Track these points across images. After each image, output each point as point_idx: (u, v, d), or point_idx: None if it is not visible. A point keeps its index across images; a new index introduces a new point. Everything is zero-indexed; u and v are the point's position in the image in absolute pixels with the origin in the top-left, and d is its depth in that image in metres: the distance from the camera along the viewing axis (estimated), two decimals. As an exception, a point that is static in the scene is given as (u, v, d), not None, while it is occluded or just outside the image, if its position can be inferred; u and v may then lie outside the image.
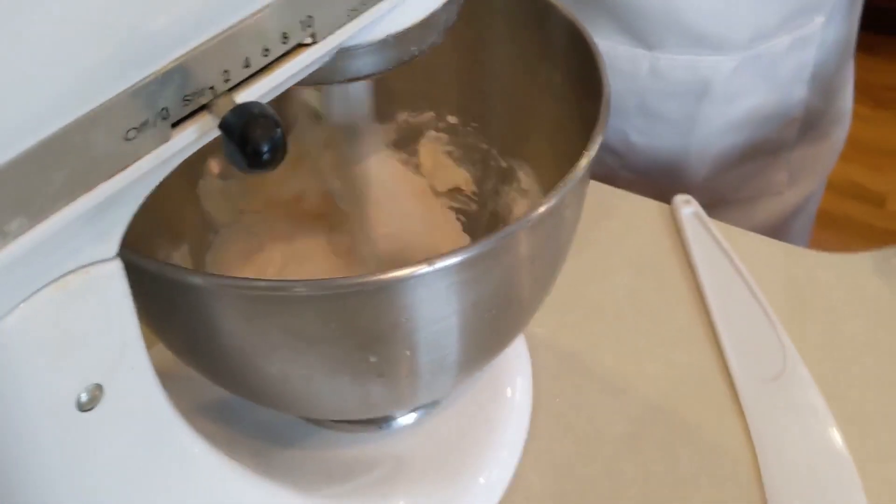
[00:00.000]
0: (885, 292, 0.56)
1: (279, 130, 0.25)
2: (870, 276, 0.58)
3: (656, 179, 0.76)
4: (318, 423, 0.48)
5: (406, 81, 0.50)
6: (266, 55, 0.27)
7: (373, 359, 0.35)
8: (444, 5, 0.34)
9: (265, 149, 0.24)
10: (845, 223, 1.63)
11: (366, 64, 0.33)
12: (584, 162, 0.36)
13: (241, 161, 0.25)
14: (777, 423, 0.50)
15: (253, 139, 0.24)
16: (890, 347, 0.54)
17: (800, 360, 0.52)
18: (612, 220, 0.62)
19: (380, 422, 0.48)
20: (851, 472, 0.48)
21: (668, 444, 0.50)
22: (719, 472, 0.48)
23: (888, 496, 0.47)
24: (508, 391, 0.51)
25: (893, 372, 0.53)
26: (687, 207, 0.61)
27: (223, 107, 0.25)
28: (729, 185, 0.77)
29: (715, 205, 0.65)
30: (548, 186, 0.49)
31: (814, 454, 0.49)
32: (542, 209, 0.34)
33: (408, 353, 0.36)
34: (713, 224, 0.60)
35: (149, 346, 0.32)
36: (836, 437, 0.49)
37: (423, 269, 0.31)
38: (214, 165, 0.50)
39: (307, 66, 0.29)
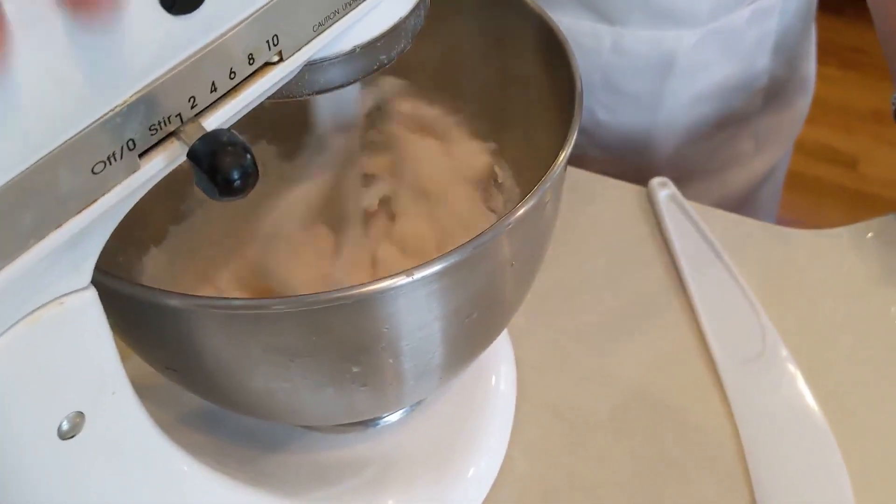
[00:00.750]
0: (862, 268, 0.57)
1: (249, 157, 0.24)
2: (846, 252, 0.58)
3: (625, 156, 0.76)
4: (305, 425, 0.48)
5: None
6: (233, 78, 0.27)
7: (356, 369, 0.35)
8: (412, 11, 0.33)
9: (235, 176, 0.24)
10: (817, 186, 1.64)
11: (335, 76, 0.32)
12: (561, 159, 0.36)
13: (212, 190, 0.24)
14: (758, 402, 0.51)
15: (222, 168, 0.24)
16: (868, 323, 0.54)
17: (779, 340, 0.53)
18: (587, 205, 0.62)
19: (367, 421, 0.48)
20: (833, 448, 0.48)
21: (652, 427, 0.50)
22: (704, 452, 0.49)
23: (869, 470, 0.48)
24: (493, 379, 0.52)
25: (872, 348, 0.53)
26: (663, 190, 0.62)
27: (191, 134, 0.25)
28: (697, 157, 0.77)
29: (684, 177, 0.65)
30: (523, 178, 0.49)
31: (795, 432, 0.49)
32: (520, 211, 0.34)
33: (391, 361, 0.35)
34: (690, 206, 0.60)
35: (127, 357, 0.32)
36: (817, 414, 0.50)
37: (402, 280, 0.31)
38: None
39: (274, 84, 0.29)
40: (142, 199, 0.28)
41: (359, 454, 0.48)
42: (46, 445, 0.29)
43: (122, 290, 0.31)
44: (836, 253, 0.58)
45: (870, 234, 0.59)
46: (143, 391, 0.33)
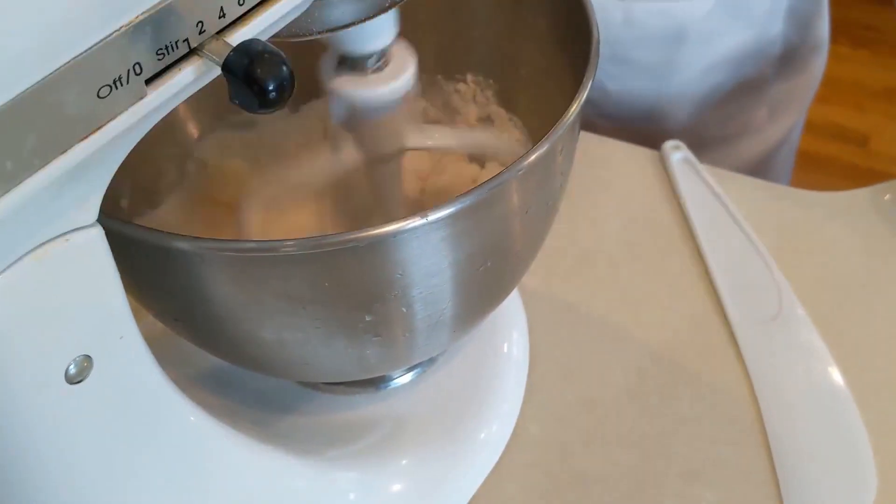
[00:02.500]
0: (879, 228, 0.56)
1: (286, 68, 0.24)
2: (862, 212, 0.57)
3: (635, 125, 0.75)
4: (316, 387, 0.48)
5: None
6: (242, 4, 0.26)
7: (369, 318, 0.34)
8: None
9: (271, 87, 0.23)
10: (828, 164, 1.62)
11: (345, 12, 0.32)
12: (575, 107, 0.35)
13: (250, 101, 0.24)
14: (775, 362, 0.50)
15: (259, 77, 0.23)
16: (884, 283, 0.54)
17: (796, 300, 0.52)
18: (600, 168, 0.61)
19: (377, 382, 0.48)
20: (851, 406, 0.48)
21: (668, 389, 0.50)
22: (720, 412, 0.48)
23: (887, 429, 0.47)
24: (505, 347, 0.51)
25: (888, 307, 0.52)
26: (676, 153, 0.61)
27: (219, 50, 0.24)
28: (710, 125, 0.76)
29: (696, 145, 0.64)
30: (536, 136, 0.48)
31: (812, 391, 0.49)
32: (533, 156, 0.33)
33: (404, 309, 0.35)
34: (704, 169, 0.60)
35: (140, 318, 0.31)
36: (835, 373, 0.49)
37: (416, 221, 0.31)
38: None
39: (284, 16, 0.28)
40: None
41: (369, 415, 0.47)
42: (54, 389, 0.29)
43: (129, 233, 0.31)
44: (852, 214, 0.57)
45: (887, 196, 0.58)
46: (152, 351, 0.32)
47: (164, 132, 0.49)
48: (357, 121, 0.40)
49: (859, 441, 0.46)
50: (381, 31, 0.36)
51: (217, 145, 0.50)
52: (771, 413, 0.48)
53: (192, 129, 0.50)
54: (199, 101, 0.48)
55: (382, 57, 0.38)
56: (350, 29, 0.32)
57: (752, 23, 0.72)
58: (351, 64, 0.38)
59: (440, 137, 0.43)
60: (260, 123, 0.50)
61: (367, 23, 0.32)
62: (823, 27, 0.80)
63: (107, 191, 0.28)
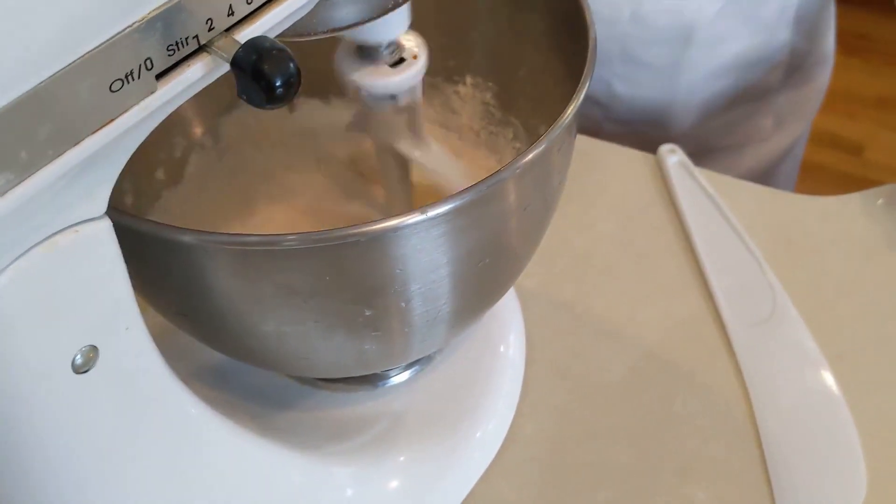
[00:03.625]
0: (873, 232, 0.57)
1: (293, 65, 0.24)
2: (856, 217, 0.58)
3: (642, 129, 0.76)
4: (314, 384, 0.48)
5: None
6: (250, 2, 0.27)
7: (368, 312, 0.35)
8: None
9: (278, 83, 0.24)
10: (822, 172, 1.63)
11: (349, 13, 0.32)
12: (573, 106, 0.35)
13: (258, 97, 0.24)
14: (768, 363, 0.50)
15: (267, 73, 0.24)
16: (877, 286, 0.54)
17: (789, 302, 0.53)
18: (597, 171, 0.62)
19: (375, 380, 0.48)
20: (842, 407, 0.48)
21: (662, 388, 0.50)
22: (714, 412, 0.49)
23: (878, 430, 0.47)
24: (501, 347, 0.52)
25: (880, 310, 0.53)
26: (672, 156, 0.61)
27: (227, 47, 0.25)
28: (715, 132, 0.77)
29: (701, 153, 0.65)
30: (535, 136, 0.49)
31: (805, 392, 0.49)
32: (531, 154, 0.33)
33: (403, 304, 0.35)
34: (699, 172, 0.60)
35: (142, 312, 0.32)
36: (827, 374, 0.50)
37: (415, 217, 0.31)
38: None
39: (291, 15, 0.29)
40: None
41: (366, 412, 0.48)
42: (60, 378, 0.29)
43: (134, 226, 0.31)
44: (846, 217, 0.58)
45: (880, 201, 0.59)
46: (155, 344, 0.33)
47: (166, 130, 0.49)
48: (371, 112, 0.41)
49: (850, 442, 0.47)
50: (395, 22, 0.37)
51: (221, 138, 0.51)
52: (764, 413, 0.48)
53: (196, 127, 0.51)
54: (201, 99, 0.49)
55: (396, 47, 0.39)
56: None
57: (759, 28, 0.72)
58: (365, 54, 0.39)
59: (421, 156, 0.44)
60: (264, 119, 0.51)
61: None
62: (830, 39, 0.80)
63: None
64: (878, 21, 1.96)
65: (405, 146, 0.44)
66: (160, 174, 0.48)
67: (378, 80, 0.39)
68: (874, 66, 1.80)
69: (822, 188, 0.60)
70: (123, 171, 0.28)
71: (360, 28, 0.34)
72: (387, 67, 0.39)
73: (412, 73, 0.40)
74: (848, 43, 1.83)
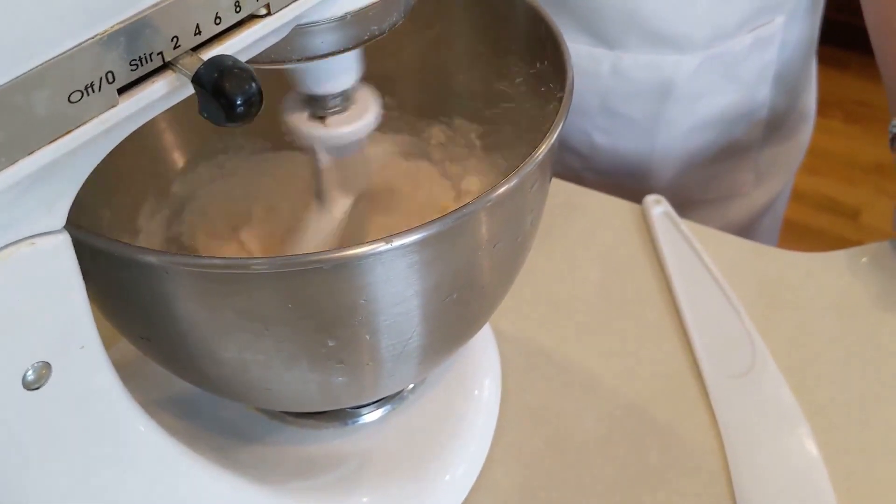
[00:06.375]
0: (854, 290, 0.56)
1: (254, 84, 0.24)
2: (839, 274, 0.58)
3: (621, 181, 0.76)
4: (282, 419, 0.48)
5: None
6: (218, 23, 0.27)
7: (331, 343, 0.35)
8: (405, -16, 0.33)
9: (239, 101, 0.24)
10: (818, 236, 1.64)
11: (324, 42, 0.33)
12: (545, 145, 0.35)
13: (218, 115, 0.24)
14: (745, 417, 0.50)
15: (227, 91, 0.24)
16: (857, 343, 0.54)
17: (768, 356, 0.52)
18: (582, 218, 0.62)
19: (345, 418, 0.48)
20: (819, 466, 0.47)
21: (638, 439, 0.49)
22: (688, 466, 0.48)
23: (854, 488, 0.46)
24: (476, 391, 0.51)
25: (859, 368, 0.52)
26: (657, 207, 0.61)
27: (190, 64, 0.25)
28: (695, 186, 0.77)
29: (682, 205, 0.65)
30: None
31: (781, 449, 0.48)
32: (501, 189, 0.33)
33: (368, 337, 0.35)
34: (683, 223, 0.60)
35: (109, 345, 0.31)
36: (804, 431, 0.49)
37: (381, 246, 0.31)
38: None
39: (261, 39, 0.29)
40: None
41: (335, 450, 0.47)
42: (10, 394, 0.29)
43: (96, 243, 0.31)
44: (829, 274, 0.58)
45: (864, 259, 0.58)
46: (119, 375, 0.32)
47: (151, 156, 0.49)
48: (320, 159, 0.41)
49: (825, 496, 0.46)
50: (344, 72, 0.37)
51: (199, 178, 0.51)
52: (738, 469, 0.48)
53: (178, 158, 0.51)
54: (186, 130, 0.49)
55: (345, 99, 0.39)
56: (312, 69, 0.33)
57: (739, 86, 0.73)
58: (314, 104, 0.39)
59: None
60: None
61: (331, 62, 0.33)
62: (811, 98, 0.81)
63: (87, 207, 0.28)
64: (879, 89, 1.98)
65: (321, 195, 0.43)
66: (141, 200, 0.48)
67: (328, 130, 0.39)
68: (874, 133, 1.81)
69: (816, 250, 0.60)
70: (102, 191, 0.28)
71: (310, 78, 0.35)
72: (336, 118, 0.39)
73: (362, 125, 0.39)
74: (850, 110, 1.85)
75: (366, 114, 0.39)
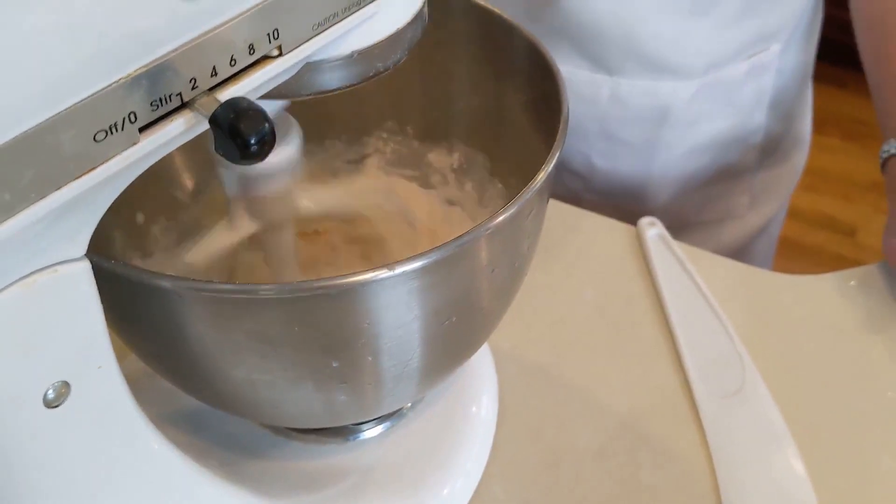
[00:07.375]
0: (842, 312, 0.58)
1: (267, 125, 0.26)
2: (830, 296, 0.59)
3: (619, 202, 0.78)
4: (286, 434, 0.49)
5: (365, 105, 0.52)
6: (233, 65, 0.29)
7: (335, 364, 0.36)
8: (410, 23, 0.35)
9: (253, 141, 0.26)
10: (815, 253, 1.65)
11: (332, 78, 0.34)
12: (543, 174, 0.37)
13: (233, 153, 0.26)
14: (735, 437, 0.51)
15: (242, 131, 0.26)
16: (846, 365, 0.55)
17: (758, 377, 0.54)
18: (577, 239, 0.64)
19: (346, 434, 0.49)
20: (806, 486, 0.49)
21: (631, 457, 0.51)
22: (678, 481, 0.49)
23: (842, 507, 0.48)
24: (474, 408, 0.52)
25: (849, 389, 0.54)
26: (652, 229, 0.63)
27: (207, 105, 0.27)
28: (691, 208, 0.79)
29: (677, 227, 0.67)
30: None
31: (769, 469, 0.50)
32: (501, 217, 0.35)
33: (370, 358, 0.37)
34: (677, 246, 0.62)
35: (121, 358, 0.33)
36: (792, 451, 0.50)
37: (383, 273, 0.33)
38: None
39: (273, 78, 0.31)
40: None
41: (336, 466, 0.49)
42: (32, 412, 0.30)
43: (114, 269, 0.33)
44: (819, 297, 0.59)
45: (853, 282, 0.60)
46: (131, 390, 0.34)
47: (161, 178, 0.51)
48: (248, 192, 0.42)
49: (813, 517, 0.47)
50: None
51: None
52: (727, 488, 0.49)
53: (188, 181, 0.53)
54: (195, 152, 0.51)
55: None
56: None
57: (735, 111, 0.75)
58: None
59: (324, 199, 0.45)
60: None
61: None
62: (806, 123, 0.83)
63: (99, 229, 0.30)
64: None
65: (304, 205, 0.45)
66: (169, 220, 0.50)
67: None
68: (872, 151, 1.82)
69: (815, 268, 0.62)
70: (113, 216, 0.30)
71: None
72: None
73: (288, 153, 0.40)
74: (846, 128, 1.87)
75: (289, 143, 0.40)
